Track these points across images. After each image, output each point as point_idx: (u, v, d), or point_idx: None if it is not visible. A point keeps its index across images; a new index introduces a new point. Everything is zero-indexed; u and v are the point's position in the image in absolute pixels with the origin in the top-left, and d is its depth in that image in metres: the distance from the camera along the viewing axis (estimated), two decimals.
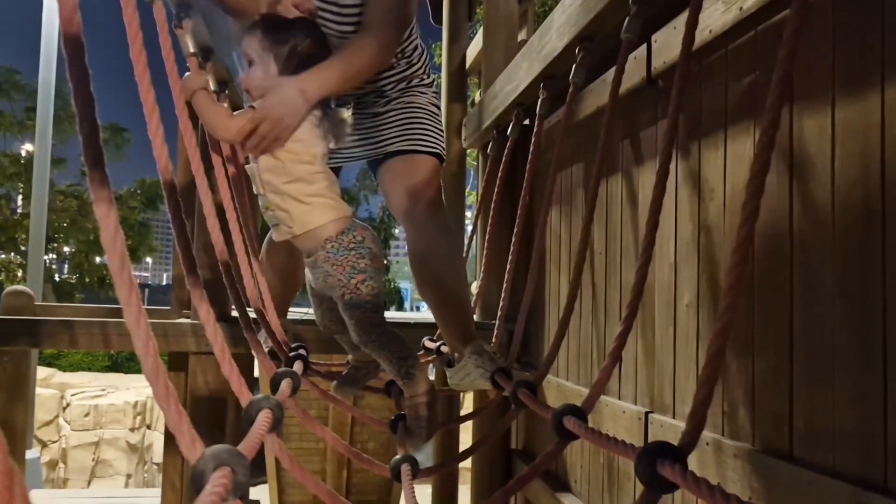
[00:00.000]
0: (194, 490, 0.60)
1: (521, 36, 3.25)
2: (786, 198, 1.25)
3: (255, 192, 1.52)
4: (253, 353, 1.52)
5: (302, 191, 1.45)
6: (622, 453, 0.87)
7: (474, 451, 1.93)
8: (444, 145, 1.95)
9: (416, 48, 1.90)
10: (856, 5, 1.12)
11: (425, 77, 1.95)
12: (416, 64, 1.91)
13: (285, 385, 1.21)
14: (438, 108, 1.98)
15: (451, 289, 1.83)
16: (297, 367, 1.50)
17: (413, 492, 1.18)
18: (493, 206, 2.66)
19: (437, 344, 2.20)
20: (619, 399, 1.91)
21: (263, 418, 0.90)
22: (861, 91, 1.09)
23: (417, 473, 1.30)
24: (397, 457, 1.31)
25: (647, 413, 1.73)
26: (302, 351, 1.61)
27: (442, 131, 1.95)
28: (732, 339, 1.41)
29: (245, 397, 1.01)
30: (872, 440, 1.03)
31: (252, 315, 1.65)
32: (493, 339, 2.01)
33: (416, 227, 1.82)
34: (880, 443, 1.01)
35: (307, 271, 1.56)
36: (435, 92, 2.00)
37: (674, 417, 1.63)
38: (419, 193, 1.83)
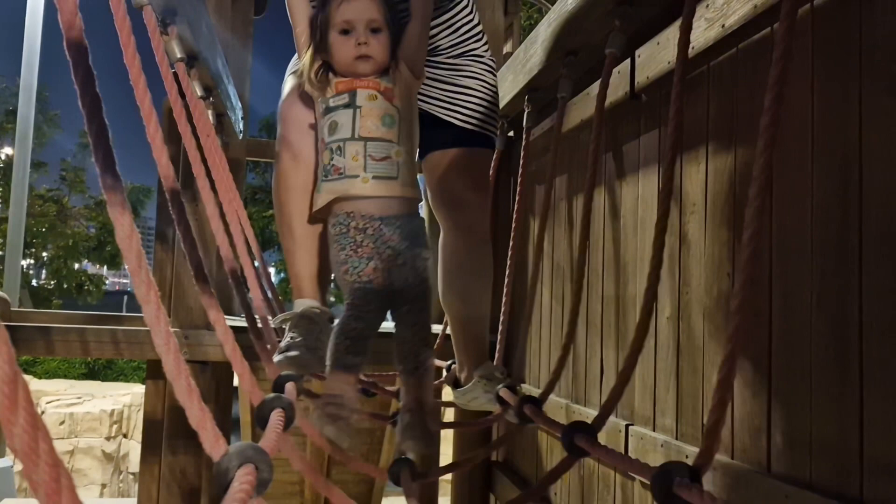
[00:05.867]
0: (218, 487, 0.60)
1: (507, 48, 3.27)
2: (765, 212, 1.26)
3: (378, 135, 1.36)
4: (259, 356, 1.49)
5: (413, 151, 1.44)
6: (636, 471, 0.87)
7: (475, 463, 1.92)
8: (497, 129, 1.78)
9: (470, 14, 1.73)
10: (834, 23, 1.14)
11: (482, 42, 1.76)
12: (472, 26, 1.72)
13: (290, 386, 1.20)
14: (496, 82, 1.79)
15: (479, 307, 1.75)
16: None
17: (415, 492, 1.18)
18: None
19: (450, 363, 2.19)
20: None
21: (277, 417, 0.90)
22: (839, 108, 1.11)
23: (418, 477, 1.30)
24: (395, 461, 1.31)
25: (627, 425, 1.73)
26: None
27: (497, 112, 1.78)
28: (713, 353, 1.42)
29: (257, 397, 1.01)
30: (849, 453, 1.04)
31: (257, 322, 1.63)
32: (497, 354, 1.99)
33: (458, 233, 1.72)
34: (856, 456, 1.03)
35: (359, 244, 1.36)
36: (491, 66, 1.78)
37: (654, 430, 1.63)
38: (469, 198, 1.70)
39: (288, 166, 1.61)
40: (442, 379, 2.12)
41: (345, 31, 1.37)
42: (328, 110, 1.40)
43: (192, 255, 1.06)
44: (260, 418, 0.93)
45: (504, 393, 1.60)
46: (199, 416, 0.62)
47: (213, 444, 0.64)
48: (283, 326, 1.55)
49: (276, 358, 1.43)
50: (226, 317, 1.75)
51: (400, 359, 1.36)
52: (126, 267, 0.60)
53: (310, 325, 1.51)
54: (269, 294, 1.94)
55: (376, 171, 1.34)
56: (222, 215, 1.49)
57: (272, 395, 1.02)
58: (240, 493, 0.57)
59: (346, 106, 1.37)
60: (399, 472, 1.28)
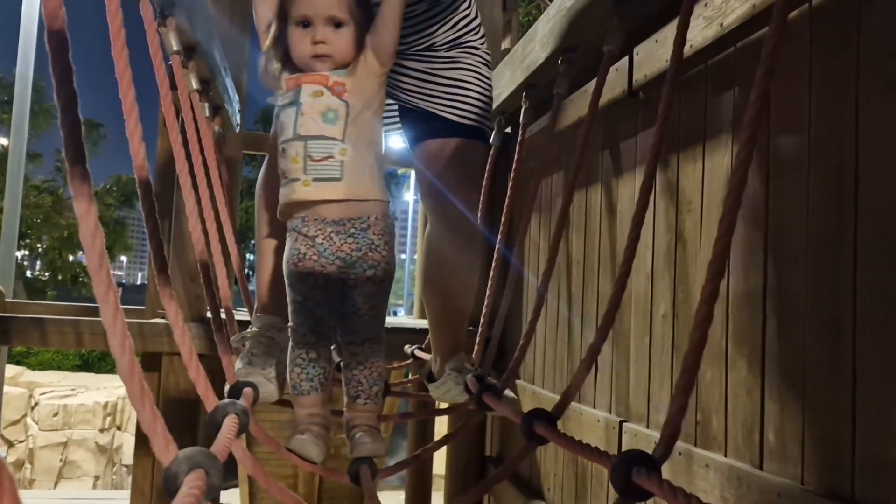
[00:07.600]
0: (167, 492, 0.60)
1: (505, 45, 3.27)
2: (761, 210, 1.27)
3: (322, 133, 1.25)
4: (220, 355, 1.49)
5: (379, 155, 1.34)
6: (596, 460, 0.87)
7: (436, 449, 1.91)
8: (491, 123, 1.74)
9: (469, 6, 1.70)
10: (832, 23, 1.14)
11: (479, 35, 1.72)
12: (469, 20, 1.68)
13: (247, 392, 1.20)
14: (490, 75, 1.75)
15: (458, 302, 1.72)
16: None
17: (375, 493, 1.17)
18: None
19: (413, 348, 2.19)
20: (594, 408, 1.92)
21: (230, 423, 0.89)
22: (836, 106, 1.11)
23: (377, 474, 1.28)
24: (354, 459, 1.30)
25: (621, 422, 1.74)
26: None
27: (491, 106, 1.74)
28: (708, 351, 1.42)
29: (211, 402, 0.99)
30: (841, 451, 1.05)
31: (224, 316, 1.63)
32: (476, 347, 1.99)
33: (445, 226, 1.68)
34: (848, 454, 1.03)
35: (309, 246, 1.28)
36: (486, 59, 1.74)
37: (648, 427, 1.64)
38: (458, 191, 1.65)
39: (266, 171, 1.63)
40: (406, 363, 2.13)
41: (304, 24, 1.26)
42: (279, 110, 1.30)
43: (157, 252, 1.05)
44: (212, 424, 0.92)
45: (470, 382, 1.59)
46: (150, 421, 0.62)
47: (163, 449, 0.63)
48: (242, 345, 1.56)
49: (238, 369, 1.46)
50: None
51: (344, 381, 1.34)
52: (87, 262, 0.59)
53: (270, 343, 1.52)
54: (242, 293, 1.95)
55: (317, 172, 1.23)
56: (202, 211, 1.49)
57: (226, 400, 1.01)
58: (188, 498, 0.56)
59: (291, 104, 1.27)
60: (358, 472, 1.27)
